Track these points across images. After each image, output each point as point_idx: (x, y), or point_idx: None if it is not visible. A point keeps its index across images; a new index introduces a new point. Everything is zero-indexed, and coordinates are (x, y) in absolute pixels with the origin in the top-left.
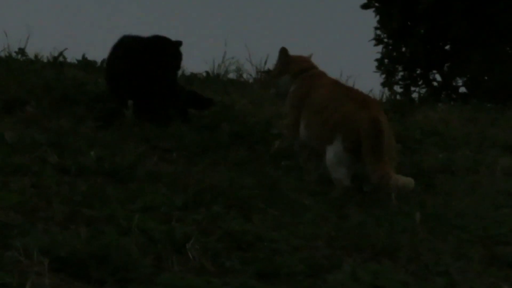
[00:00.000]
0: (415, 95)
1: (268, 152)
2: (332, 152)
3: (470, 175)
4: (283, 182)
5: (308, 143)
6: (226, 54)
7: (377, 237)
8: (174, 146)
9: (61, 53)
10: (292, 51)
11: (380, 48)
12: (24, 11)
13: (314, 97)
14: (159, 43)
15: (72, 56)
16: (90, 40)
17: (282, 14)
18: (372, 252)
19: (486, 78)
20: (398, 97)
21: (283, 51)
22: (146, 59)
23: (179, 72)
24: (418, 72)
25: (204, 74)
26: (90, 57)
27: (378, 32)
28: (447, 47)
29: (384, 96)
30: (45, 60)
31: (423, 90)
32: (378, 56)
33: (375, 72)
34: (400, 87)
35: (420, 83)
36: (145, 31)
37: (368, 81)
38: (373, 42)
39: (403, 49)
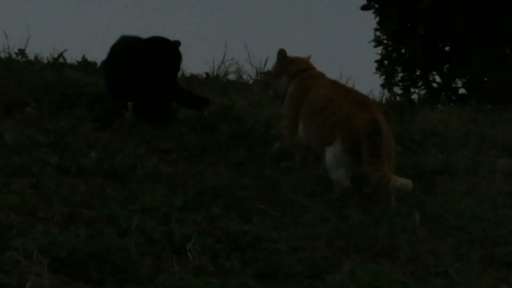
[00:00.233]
0: (414, 96)
1: (268, 153)
2: (332, 153)
3: (470, 176)
4: (283, 183)
5: (307, 144)
6: (226, 55)
7: (377, 237)
8: (174, 147)
9: (61, 54)
10: (292, 53)
11: (379, 49)
12: (24, 12)
13: (313, 97)
14: (158, 44)
15: (72, 57)
16: (90, 42)
17: (282, 16)
18: (372, 253)
19: (485, 79)
20: (397, 98)
21: (281, 53)
22: (145, 60)
23: (179, 73)
24: (417, 73)
25: (204, 75)
26: (90, 58)
27: (378, 33)
28: (447, 48)
29: (384, 97)
30: (45, 61)
31: (423, 91)
32: (378, 57)
33: (374, 73)
34: (400, 88)
35: (419, 84)
36: (145, 32)
37: (368, 82)
38: (373, 43)
39: (403, 50)
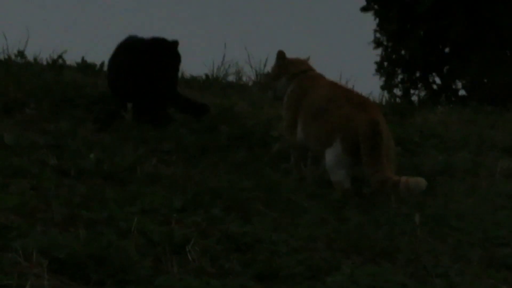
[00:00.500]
0: (414, 97)
1: (267, 154)
2: (332, 155)
3: (470, 177)
4: (282, 184)
5: (306, 145)
6: (226, 56)
7: (376, 239)
8: (173, 148)
9: (60, 56)
10: (292, 54)
11: (379, 50)
12: (23, 13)
13: (312, 98)
14: (156, 44)
15: (71, 58)
16: (89, 43)
17: (282, 17)
18: (371, 254)
19: (485, 80)
20: (397, 99)
21: (280, 54)
22: (143, 61)
23: (178, 74)
24: (417, 74)
25: (204, 77)
26: (89, 59)
27: (378, 34)
28: (447, 49)
29: (384, 99)
30: (44, 63)
31: (423, 93)
32: (378, 58)
33: (374, 75)
34: (400, 90)
35: (419, 85)
36: (145, 33)
37: (368, 83)
38: (373, 44)
39: (403, 51)
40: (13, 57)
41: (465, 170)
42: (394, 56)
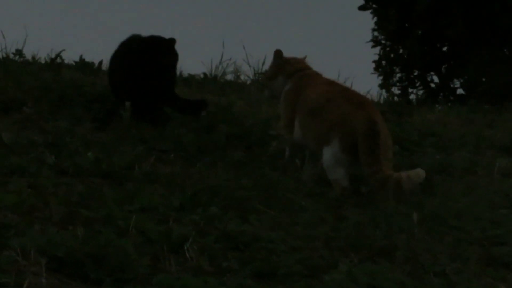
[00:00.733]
0: (412, 96)
1: (266, 153)
2: (330, 153)
3: (468, 176)
4: (280, 183)
5: (303, 143)
6: (224, 55)
7: (374, 237)
8: (171, 147)
9: (58, 54)
10: (290, 53)
11: (377, 49)
12: (21, 12)
13: (310, 97)
14: (153, 42)
15: (70, 57)
16: (88, 42)
17: (280, 16)
18: (369, 253)
19: (483, 79)
20: (395, 98)
21: (278, 53)
22: (140, 59)
23: (176, 72)
24: (415, 73)
25: (202, 75)
26: (87, 58)
27: (376, 33)
28: (445, 48)
29: (382, 98)
30: (43, 62)
31: (421, 92)
32: (376, 57)
33: (372, 73)
34: (398, 89)
35: (417, 84)
36: (144, 33)
37: (366, 82)
38: (371, 43)
39: (401, 50)
40: (11, 56)
41: (463, 169)
42: (392, 55)
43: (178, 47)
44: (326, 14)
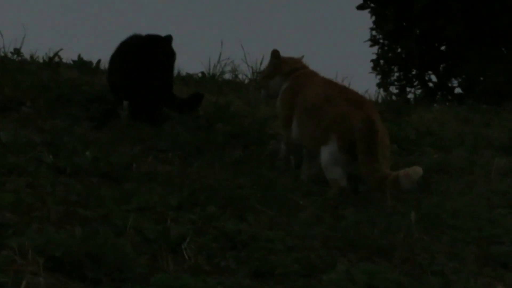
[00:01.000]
0: (410, 95)
1: (263, 153)
2: (327, 153)
3: (465, 175)
4: (278, 182)
5: (301, 143)
6: (222, 54)
7: (372, 237)
8: (169, 146)
9: (56, 54)
10: (288, 52)
11: (375, 48)
12: (19, 11)
13: (307, 96)
14: (149, 41)
15: (68, 56)
16: (86, 41)
17: (278, 15)
18: (367, 252)
19: (481, 79)
20: (393, 97)
21: (275, 53)
22: (137, 58)
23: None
24: (413, 72)
25: (200, 74)
26: (85, 57)
27: (374, 32)
28: (443, 47)
29: (380, 97)
30: (41, 61)
31: (419, 91)
32: (374, 56)
33: (370, 73)
34: (396, 88)
35: (415, 83)
36: (142, 32)
37: (364, 81)
38: (369, 42)
39: (399, 49)
40: (9, 55)
41: (461, 168)
42: (390, 54)
43: (176, 46)
44: (324, 13)
